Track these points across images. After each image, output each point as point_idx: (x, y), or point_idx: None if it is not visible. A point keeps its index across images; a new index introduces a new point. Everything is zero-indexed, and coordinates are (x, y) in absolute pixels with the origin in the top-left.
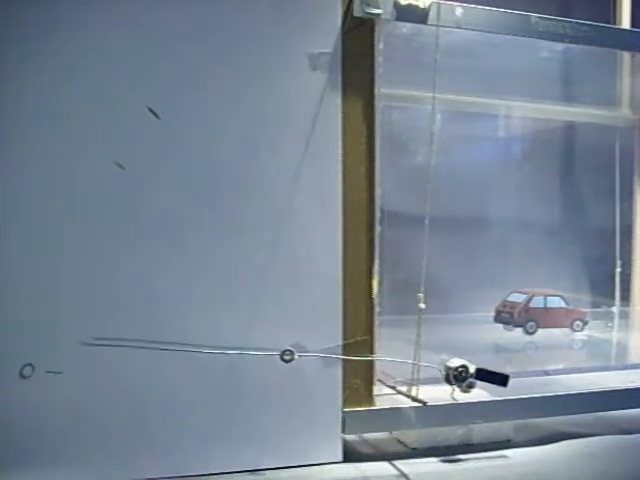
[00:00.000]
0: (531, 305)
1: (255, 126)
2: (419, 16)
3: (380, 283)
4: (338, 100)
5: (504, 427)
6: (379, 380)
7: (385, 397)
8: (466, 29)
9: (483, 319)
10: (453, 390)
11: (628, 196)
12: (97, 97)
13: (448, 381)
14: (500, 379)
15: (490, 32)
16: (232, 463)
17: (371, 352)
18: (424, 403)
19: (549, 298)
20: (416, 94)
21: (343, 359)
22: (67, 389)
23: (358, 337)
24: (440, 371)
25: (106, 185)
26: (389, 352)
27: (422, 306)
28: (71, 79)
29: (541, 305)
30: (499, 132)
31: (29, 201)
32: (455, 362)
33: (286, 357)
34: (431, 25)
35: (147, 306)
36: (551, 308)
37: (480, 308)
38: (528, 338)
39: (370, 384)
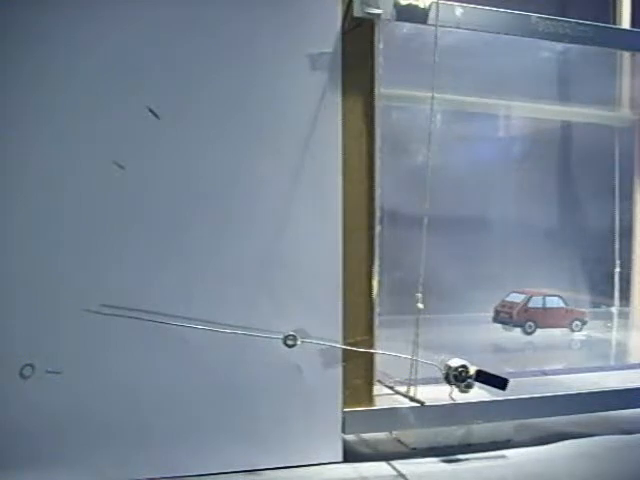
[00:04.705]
0: (530, 305)
1: (255, 126)
2: (419, 16)
3: (380, 283)
4: (338, 100)
5: (504, 427)
6: (379, 380)
7: (385, 397)
8: (466, 29)
9: (482, 319)
10: (452, 390)
11: (628, 196)
12: (97, 97)
13: (447, 380)
14: (499, 382)
15: (490, 32)
16: (232, 463)
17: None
18: (422, 403)
19: (548, 298)
20: (416, 94)
21: (343, 359)
22: (67, 389)
23: (358, 337)
24: (440, 369)
25: (106, 184)
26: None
27: (420, 306)
28: (71, 79)
29: (540, 305)
30: (499, 132)
31: (29, 201)
32: (456, 362)
33: (289, 342)
34: (431, 25)
35: (146, 305)
36: (550, 308)
37: (479, 308)
38: (527, 338)
39: (370, 384)
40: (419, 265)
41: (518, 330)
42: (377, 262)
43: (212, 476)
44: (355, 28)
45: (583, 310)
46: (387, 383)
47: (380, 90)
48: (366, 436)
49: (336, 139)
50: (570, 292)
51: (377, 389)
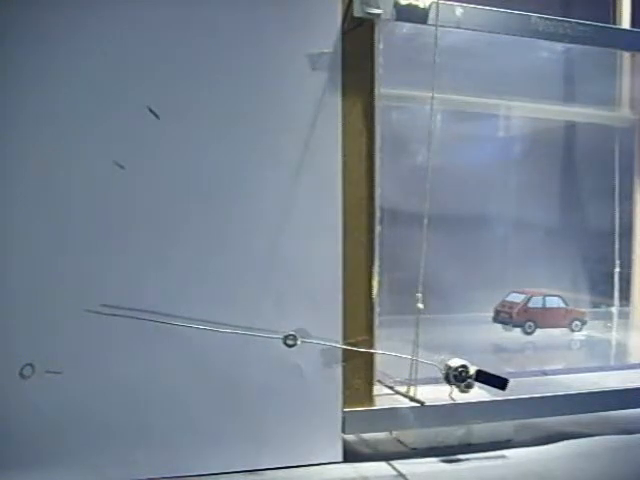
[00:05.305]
0: (530, 305)
1: (255, 126)
2: (419, 16)
3: (379, 283)
4: (338, 100)
5: (504, 427)
6: (379, 381)
7: (385, 397)
8: (466, 29)
9: (482, 319)
10: (452, 390)
11: (628, 196)
12: (97, 97)
13: (447, 380)
14: (499, 382)
15: (490, 32)
16: (232, 463)
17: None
18: (422, 403)
19: (548, 298)
20: (417, 94)
21: (343, 359)
22: (67, 389)
23: (358, 337)
24: (440, 369)
25: (106, 184)
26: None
27: (420, 306)
28: (71, 79)
29: (540, 305)
30: (499, 132)
31: (29, 201)
32: (456, 362)
33: (289, 342)
34: (431, 25)
35: (146, 305)
36: (550, 308)
37: (479, 308)
38: (527, 338)
39: (370, 384)
40: (419, 265)
41: (518, 330)
42: (377, 262)
43: (212, 476)
44: (355, 28)
45: (583, 310)
46: (387, 383)
47: (380, 90)
48: (366, 436)
49: (336, 139)
50: (570, 292)
51: (377, 389)
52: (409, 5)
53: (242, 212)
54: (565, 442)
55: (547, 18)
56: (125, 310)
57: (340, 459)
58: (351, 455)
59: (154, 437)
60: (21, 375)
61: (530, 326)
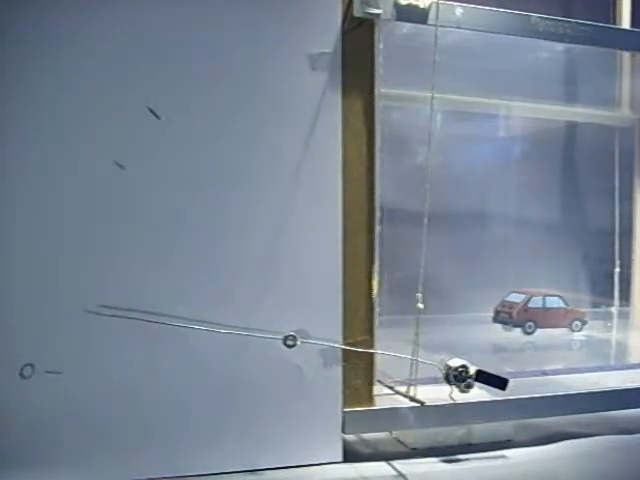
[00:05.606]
0: (530, 305)
1: (255, 126)
2: (419, 16)
3: (379, 283)
4: (338, 100)
5: (504, 427)
6: (379, 381)
7: (385, 397)
8: (466, 29)
9: (482, 319)
10: (452, 390)
11: (628, 196)
12: (97, 97)
13: (447, 380)
14: (499, 382)
15: (490, 32)
16: (232, 463)
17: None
18: (422, 403)
19: (548, 298)
20: (417, 94)
21: (343, 359)
22: (67, 389)
23: (358, 337)
24: (440, 369)
25: (106, 184)
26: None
27: (420, 306)
28: (71, 79)
29: (540, 305)
30: (499, 132)
31: (29, 201)
32: (456, 362)
33: (289, 342)
34: (431, 25)
35: (146, 305)
36: (550, 308)
37: (479, 308)
38: (527, 338)
39: (370, 384)
40: (419, 265)
41: (518, 330)
42: (377, 262)
43: (212, 476)
44: (355, 28)
45: (583, 310)
46: (387, 383)
47: (380, 90)
48: (366, 436)
49: (336, 139)
50: (570, 292)
51: (377, 389)
52: (409, 5)
53: (242, 212)
54: (565, 442)
55: (547, 18)
56: (125, 310)
57: (340, 459)
58: (351, 455)
59: (154, 437)
60: (21, 375)
61: (530, 326)
